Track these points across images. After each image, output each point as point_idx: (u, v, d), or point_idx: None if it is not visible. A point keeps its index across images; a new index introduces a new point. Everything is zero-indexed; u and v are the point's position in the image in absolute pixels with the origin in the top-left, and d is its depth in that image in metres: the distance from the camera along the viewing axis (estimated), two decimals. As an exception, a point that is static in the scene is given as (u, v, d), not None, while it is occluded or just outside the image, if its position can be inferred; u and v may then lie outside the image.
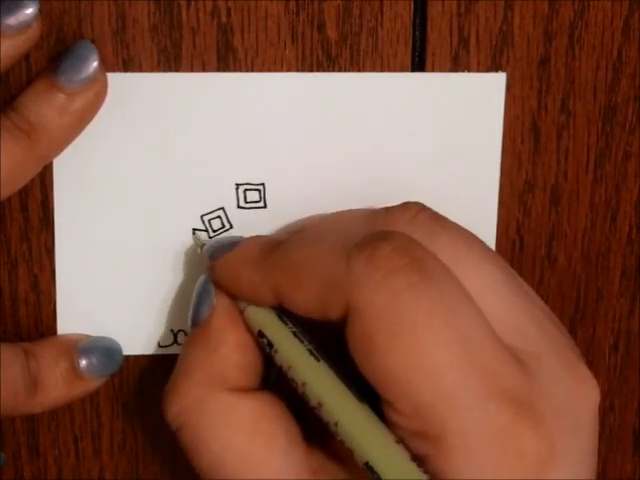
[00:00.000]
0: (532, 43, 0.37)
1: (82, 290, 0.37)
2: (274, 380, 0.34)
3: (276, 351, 0.32)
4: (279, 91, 0.36)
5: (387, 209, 0.34)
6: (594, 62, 0.37)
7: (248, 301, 0.33)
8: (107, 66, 0.35)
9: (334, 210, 0.36)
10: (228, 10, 0.35)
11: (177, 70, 0.35)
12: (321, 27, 0.36)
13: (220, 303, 0.33)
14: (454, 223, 0.33)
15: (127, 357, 0.37)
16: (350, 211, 0.36)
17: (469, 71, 0.37)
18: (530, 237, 0.39)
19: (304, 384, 0.31)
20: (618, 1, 0.37)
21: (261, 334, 0.33)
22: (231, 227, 0.37)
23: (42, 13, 0.34)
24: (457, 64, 0.37)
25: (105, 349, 0.36)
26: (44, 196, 0.36)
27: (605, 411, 0.41)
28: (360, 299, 0.30)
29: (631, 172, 0.39)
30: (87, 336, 0.37)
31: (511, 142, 0.38)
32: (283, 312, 0.33)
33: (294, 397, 0.32)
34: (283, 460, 0.32)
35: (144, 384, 0.38)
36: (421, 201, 0.34)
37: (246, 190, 0.37)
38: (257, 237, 0.34)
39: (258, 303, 0.33)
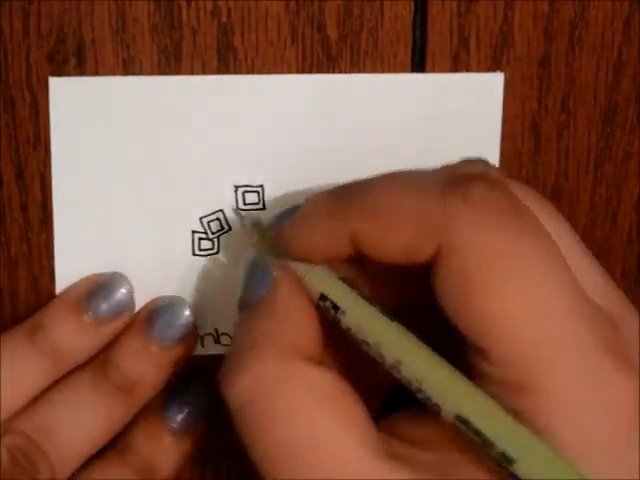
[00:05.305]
0: (532, 43, 0.37)
1: (82, 290, 0.37)
2: None
3: (343, 312, 0.31)
4: (278, 93, 0.36)
5: (454, 165, 0.33)
6: (594, 62, 0.37)
7: (325, 255, 0.31)
8: (107, 66, 0.35)
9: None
10: (228, 10, 0.35)
11: (177, 70, 0.35)
12: (321, 27, 0.36)
13: (281, 272, 0.32)
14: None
15: (127, 357, 0.37)
16: (413, 170, 0.34)
17: (469, 71, 0.37)
18: (530, 237, 0.39)
19: (378, 344, 0.30)
20: (618, 1, 0.37)
21: (324, 297, 0.31)
22: (230, 229, 0.37)
23: (42, 13, 0.34)
24: (457, 64, 0.37)
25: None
26: (44, 196, 0.36)
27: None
28: (460, 238, 0.28)
29: (631, 172, 0.39)
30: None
31: (511, 142, 0.38)
32: (345, 279, 0.31)
33: None
34: (362, 440, 0.29)
35: (144, 384, 0.38)
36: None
37: (245, 192, 0.37)
38: (322, 191, 0.32)
39: (337, 253, 0.31)
